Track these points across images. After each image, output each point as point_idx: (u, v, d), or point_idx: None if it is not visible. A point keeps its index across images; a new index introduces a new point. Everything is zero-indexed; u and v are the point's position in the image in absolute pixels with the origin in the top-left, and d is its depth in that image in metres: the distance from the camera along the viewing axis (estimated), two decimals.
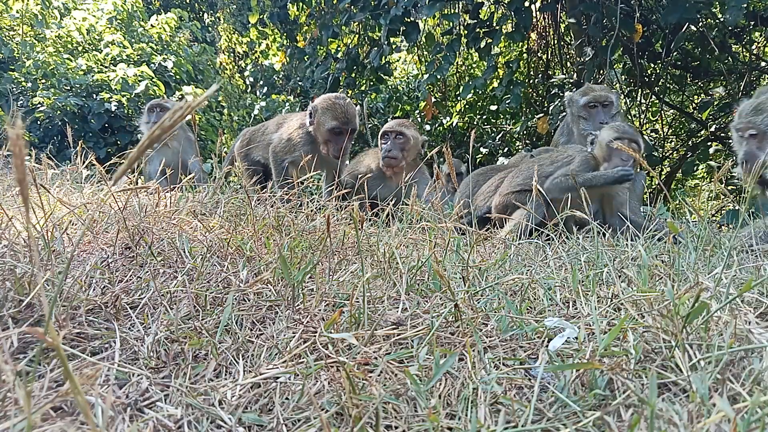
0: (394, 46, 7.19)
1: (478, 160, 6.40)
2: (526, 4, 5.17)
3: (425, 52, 6.82)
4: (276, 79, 8.67)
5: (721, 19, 5.13)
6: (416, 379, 0.89)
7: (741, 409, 0.80)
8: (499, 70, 6.19)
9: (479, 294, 1.38)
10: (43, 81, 6.70)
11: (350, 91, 6.57)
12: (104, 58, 7.26)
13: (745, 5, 3.67)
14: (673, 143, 7.17)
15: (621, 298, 1.23)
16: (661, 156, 6.40)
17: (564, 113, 5.25)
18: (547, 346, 1.05)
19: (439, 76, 5.46)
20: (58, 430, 0.80)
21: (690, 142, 6.60)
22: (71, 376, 0.61)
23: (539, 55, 6.64)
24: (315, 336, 1.08)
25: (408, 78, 8.53)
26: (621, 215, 2.91)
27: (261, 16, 7.40)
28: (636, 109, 6.51)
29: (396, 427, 0.84)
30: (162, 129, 0.63)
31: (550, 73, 6.42)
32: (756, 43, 5.95)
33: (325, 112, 3.34)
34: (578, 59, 5.71)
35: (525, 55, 6.76)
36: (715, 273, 1.36)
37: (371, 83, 6.65)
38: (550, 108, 5.61)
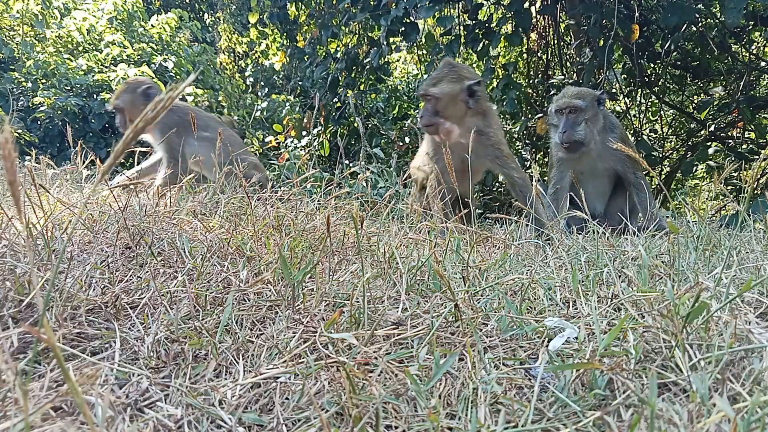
0: (393, 46, 7.18)
1: None
2: (526, 5, 5.16)
3: (425, 52, 6.81)
4: (276, 79, 8.67)
5: (721, 19, 5.13)
6: (416, 379, 0.89)
7: (741, 409, 0.80)
8: (498, 70, 6.18)
9: (479, 294, 1.38)
10: (44, 81, 6.71)
11: (350, 91, 6.56)
12: (105, 58, 7.26)
13: (744, 6, 3.66)
14: (672, 143, 7.16)
15: (621, 298, 1.23)
16: (660, 156, 6.39)
17: None
18: (547, 346, 1.05)
19: None
20: (58, 430, 0.80)
21: (690, 142, 6.59)
22: (68, 375, 0.61)
23: (539, 55, 6.64)
24: (315, 336, 1.08)
25: (408, 78, 8.52)
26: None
27: (261, 16, 7.40)
28: (636, 109, 6.51)
29: (396, 427, 0.84)
30: (145, 121, 0.63)
31: (550, 73, 6.41)
32: (756, 43, 5.94)
33: None
34: (578, 60, 5.71)
35: (525, 55, 6.75)
36: (715, 273, 1.36)
37: (371, 83, 6.65)
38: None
